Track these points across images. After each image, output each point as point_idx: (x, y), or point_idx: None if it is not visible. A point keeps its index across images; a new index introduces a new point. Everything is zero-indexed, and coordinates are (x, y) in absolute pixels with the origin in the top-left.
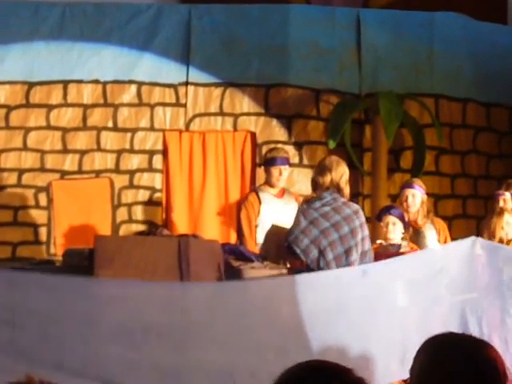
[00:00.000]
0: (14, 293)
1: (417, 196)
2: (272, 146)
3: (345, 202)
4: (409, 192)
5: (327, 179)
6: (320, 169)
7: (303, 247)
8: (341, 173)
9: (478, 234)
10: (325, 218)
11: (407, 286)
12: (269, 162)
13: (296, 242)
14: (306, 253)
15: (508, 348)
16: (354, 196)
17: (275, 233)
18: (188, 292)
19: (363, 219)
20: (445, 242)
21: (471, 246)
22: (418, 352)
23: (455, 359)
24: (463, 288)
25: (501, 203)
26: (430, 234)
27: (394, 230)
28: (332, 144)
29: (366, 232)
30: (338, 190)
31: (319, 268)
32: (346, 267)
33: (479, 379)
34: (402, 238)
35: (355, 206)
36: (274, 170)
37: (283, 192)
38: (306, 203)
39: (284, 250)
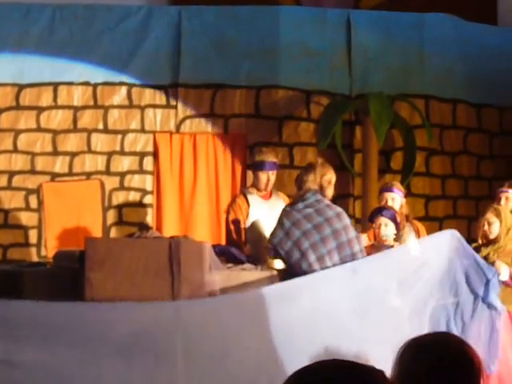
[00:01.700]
0: (6, 330)
1: (396, 199)
2: (263, 147)
3: (328, 205)
4: (388, 195)
5: (310, 178)
6: (305, 168)
7: (287, 249)
8: (323, 172)
9: (470, 234)
10: (307, 220)
11: (396, 285)
12: (257, 166)
13: (280, 245)
14: (289, 255)
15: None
16: (345, 197)
17: (255, 232)
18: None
19: (347, 221)
20: None
21: (450, 239)
22: (399, 353)
23: (433, 358)
24: (446, 291)
25: (502, 201)
26: (410, 236)
27: (386, 231)
28: (322, 145)
29: (352, 234)
30: (321, 189)
31: (301, 270)
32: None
33: (457, 376)
34: (394, 239)
35: (338, 209)
36: (262, 175)
37: (271, 194)
38: (290, 205)
39: (263, 249)
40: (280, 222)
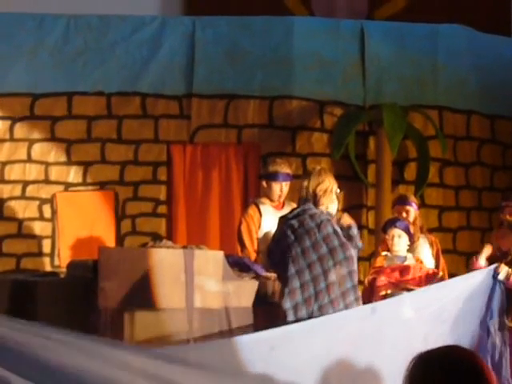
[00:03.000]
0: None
1: (410, 212)
2: (277, 158)
3: (312, 215)
4: (402, 209)
5: (304, 185)
6: (303, 177)
7: (275, 261)
8: (319, 181)
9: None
10: (291, 231)
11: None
12: (271, 177)
13: (272, 256)
14: (277, 267)
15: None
16: (358, 208)
17: (267, 243)
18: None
19: (328, 231)
20: (437, 255)
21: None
22: (409, 367)
23: (445, 372)
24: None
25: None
26: (424, 248)
27: (400, 243)
28: (336, 156)
29: (335, 243)
30: (314, 198)
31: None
32: (310, 283)
33: None
34: (408, 250)
35: (321, 218)
36: (276, 186)
37: (283, 204)
38: (284, 216)
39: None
40: (274, 233)
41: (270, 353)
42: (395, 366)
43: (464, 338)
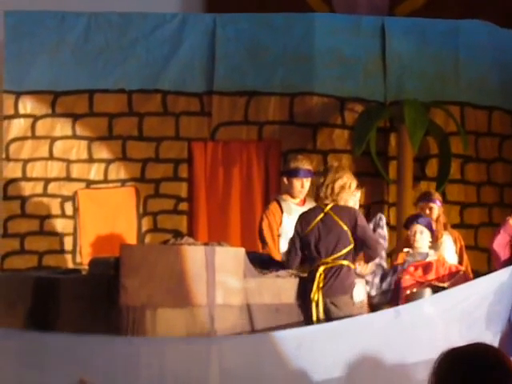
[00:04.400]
0: (37, 360)
1: (434, 209)
2: (298, 154)
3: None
4: (426, 206)
5: (320, 183)
6: (320, 173)
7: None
8: (336, 177)
9: None
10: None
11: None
12: (292, 173)
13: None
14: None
15: None
16: (379, 204)
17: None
18: (214, 345)
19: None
20: (460, 251)
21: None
22: (435, 364)
23: (471, 368)
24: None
25: None
26: (448, 244)
27: (422, 239)
28: (357, 152)
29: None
30: (332, 195)
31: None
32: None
33: None
34: (430, 247)
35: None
36: (297, 182)
37: (304, 200)
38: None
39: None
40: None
41: (297, 350)
42: (420, 367)
43: (490, 336)
